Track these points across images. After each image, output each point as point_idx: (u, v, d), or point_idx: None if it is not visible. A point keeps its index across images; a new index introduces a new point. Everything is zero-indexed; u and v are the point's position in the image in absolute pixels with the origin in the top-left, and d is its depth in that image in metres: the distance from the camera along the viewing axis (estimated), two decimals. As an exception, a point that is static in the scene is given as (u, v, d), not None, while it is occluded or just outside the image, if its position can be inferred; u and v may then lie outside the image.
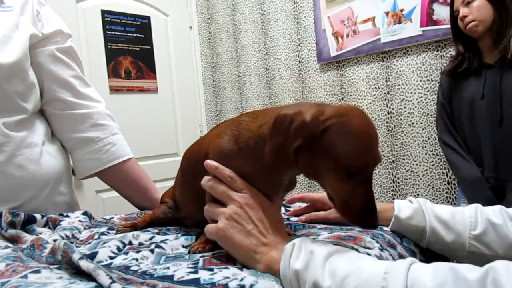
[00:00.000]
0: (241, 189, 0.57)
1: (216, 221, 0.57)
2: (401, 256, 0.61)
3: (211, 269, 0.51)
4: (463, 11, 1.51)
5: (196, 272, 0.50)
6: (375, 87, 2.12)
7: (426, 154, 1.97)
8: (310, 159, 0.51)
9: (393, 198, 2.09)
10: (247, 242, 0.53)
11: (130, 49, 2.54)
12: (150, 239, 0.70)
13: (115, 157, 1.00)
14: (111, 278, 0.47)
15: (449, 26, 1.66)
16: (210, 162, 0.58)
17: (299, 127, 0.50)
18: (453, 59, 1.63)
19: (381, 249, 0.60)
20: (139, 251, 0.62)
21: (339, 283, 0.42)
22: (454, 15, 1.59)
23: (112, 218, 0.93)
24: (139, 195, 1.04)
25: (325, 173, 0.52)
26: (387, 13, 2.01)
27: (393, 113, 2.07)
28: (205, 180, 0.59)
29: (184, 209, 0.77)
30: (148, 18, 2.64)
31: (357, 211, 0.51)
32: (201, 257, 0.58)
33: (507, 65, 1.46)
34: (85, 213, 0.90)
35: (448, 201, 1.91)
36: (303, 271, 0.46)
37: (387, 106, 2.08)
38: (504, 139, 1.48)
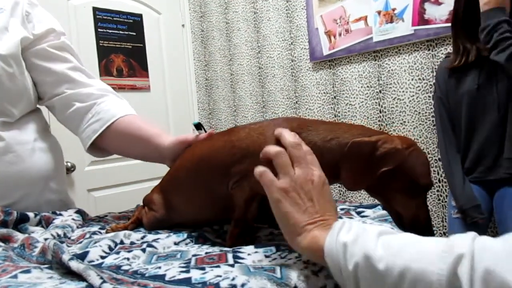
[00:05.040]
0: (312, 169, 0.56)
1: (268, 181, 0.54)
2: None
3: (203, 268, 0.51)
4: None
5: (187, 272, 0.50)
6: (367, 86, 2.13)
7: (417, 152, 1.98)
8: (390, 181, 0.59)
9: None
10: (300, 216, 0.52)
11: (122, 47, 2.53)
12: (142, 238, 0.70)
13: (116, 112, 0.95)
14: (101, 278, 0.47)
15: (440, 25, 1.66)
16: (289, 137, 0.57)
17: (391, 154, 0.57)
18: (456, 53, 1.59)
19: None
20: (131, 251, 0.62)
21: (395, 252, 0.42)
22: (456, 9, 1.56)
23: (106, 216, 0.92)
24: (144, 147, 0.94)
25: (399, 192, 0.60)
26: (379, 12, 2.02)
27: (385, 112, 2.08)
28: (273, 148, 0.56)
29: (184, 216, 0.75)
30: (140, 16, 2.63)
31: (424, 224, 0.61)
32: (193, 256, 0.58)
33: None
34: (78, 211, 0.90)
35: (439, 199, 1.93)
36: (352, 244, 0.45)
37: (379, 104, 2.10)
38: (502, 129, 1.49)
